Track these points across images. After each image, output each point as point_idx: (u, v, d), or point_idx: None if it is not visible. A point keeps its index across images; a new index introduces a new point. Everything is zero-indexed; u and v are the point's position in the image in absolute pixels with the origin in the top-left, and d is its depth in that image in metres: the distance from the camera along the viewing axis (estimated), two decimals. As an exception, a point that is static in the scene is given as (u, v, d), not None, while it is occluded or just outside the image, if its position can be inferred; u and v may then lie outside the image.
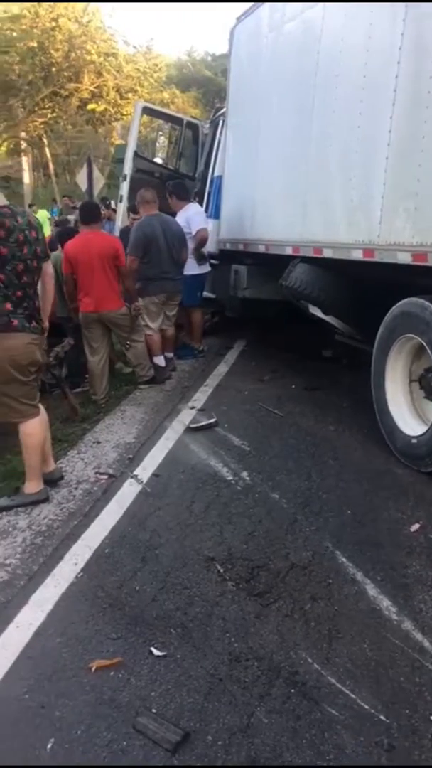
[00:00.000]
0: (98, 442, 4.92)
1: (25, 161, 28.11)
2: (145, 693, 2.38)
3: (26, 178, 28.46)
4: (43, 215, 18.97)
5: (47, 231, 17.29)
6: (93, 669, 2.50)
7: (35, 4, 20.40)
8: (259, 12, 6.51)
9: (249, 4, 6.75)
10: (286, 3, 5.81)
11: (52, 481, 4.11)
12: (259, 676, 2.46)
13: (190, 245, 6.77)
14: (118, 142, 27.66)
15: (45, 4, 20.35)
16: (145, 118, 22.89)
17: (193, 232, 6.79)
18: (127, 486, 4.13)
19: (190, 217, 6.89)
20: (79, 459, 4.61)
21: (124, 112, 23.72)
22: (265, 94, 6.30)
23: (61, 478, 4.20)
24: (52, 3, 20.51)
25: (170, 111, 10.51)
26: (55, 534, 3.56)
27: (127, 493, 4.04)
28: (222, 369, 6.74)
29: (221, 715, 2.27)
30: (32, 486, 3.93)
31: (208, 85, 43.85)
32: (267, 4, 6.27)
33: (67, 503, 3.94)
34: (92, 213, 6.03)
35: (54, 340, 5.36)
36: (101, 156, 31.19)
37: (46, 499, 3.93)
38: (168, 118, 9.51)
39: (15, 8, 20.72)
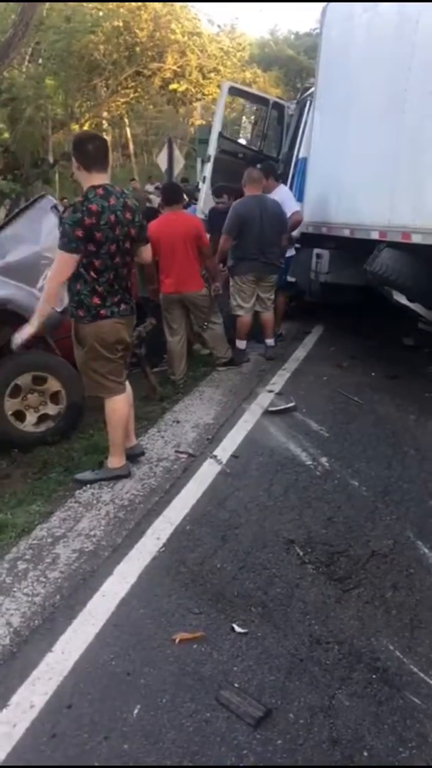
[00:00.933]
0: (178, 422, 5.00)
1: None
2: (228, 668, 2.44)
3: (106, 157, 28.80)
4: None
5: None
6: (177, 641, 2.57)
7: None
8: (352, -9, 6.37)
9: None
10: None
11: (133, 455, 4.20)
12: (340, 659, 2.48)
13: None
14: (199, 122, 27.62)
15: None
16: (228, 98, 22.88)
17: (288, 214, 6.73)
18: (206, 466, 4.19)
19: (284, 199, 6.84)
20: (160, 437, 4.70)
21: (206, 92, 23.62)
22: (356, 75, 6.18)
23: (143, 453, 4.29)
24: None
25: (256, 91, 10.42)
26: (137, 509, 3.66)
27: (207, 472, 4.10)
28: (300, 353, 6.71)
29: (303, 695, 2.31)
30: (115, 461, 4.04)
31: (290, 64, 43.26)
32: (361, -17, 6.13)
33: (148, 479, 4.03)
34: (174, 194, 6.08)
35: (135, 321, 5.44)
36: (179, 137, 31.21)
37: (128, 475, 4.03)
38: (254, 98, 9.44)
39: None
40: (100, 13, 20.98)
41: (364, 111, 5.96)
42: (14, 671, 2.42)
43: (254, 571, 3.05)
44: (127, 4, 20.33)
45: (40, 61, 20.97)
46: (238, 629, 2.64)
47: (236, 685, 2.35)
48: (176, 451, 4.43)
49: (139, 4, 20.47)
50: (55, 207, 5.06)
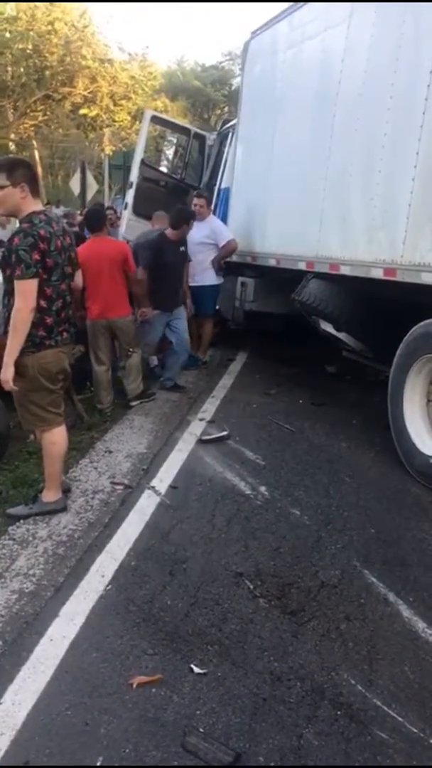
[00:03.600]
0: (110, 451, 4.87)
1: (13, 163, 27.89)
2: (190, 711, 2.35)
3: (13, 179, 28.24)
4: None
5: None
6: (134, 685, 2.45)
7: (32, 6, 20.30)
8: (276, 28, 6.55)
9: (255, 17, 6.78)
10: (306, 22, 5.86)
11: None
12: (303, 696, 2.43)
13: (211, 256, 6.80)
14: (108, 148, 27.61)
15: (42, 7, 20.26)
16: (138, 125, 22.95)
17: (221, 243, 6.79)
18: (145, 497, 4.09)
19: (217, 227, 6.91)
20: (93, 468, 4.56)
21: (116, 119, 23.68)
22: (280, 109, 6.34)
23: (69, 490, 4.13)
24: (49, 6, 20.42)
25: (178, 120, 10.51)
26: (77, 544, 3.51)
27: (146, 504, 4.00)
28: (227, 381, 6.72)
29: (270, 736, 2.25)
30: (51, 495, 3.88)
31: (197, 95, 43.97)
32: (285, 20, 6.32)
33: (86, 513, 3.89)
34: (99, 219, 5.99)
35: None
36: (87, 161, 31.06)
37: (64, 509, 3.87)
38: (176, 127, 9.51)
39: (11, 9, 20.63)
40: (7, 35, 20.69)
41: (290, 145, 6.11)
42: (-40, 727, 2.24)
43: (206, 607, 2.97)
44: (36, 27, 20.16)
45: None
46: (196, 670, 2.55)
47: (201, 729, 2.26)
48: (112, 482, 4.31)
49: (49, 27, 20.35)
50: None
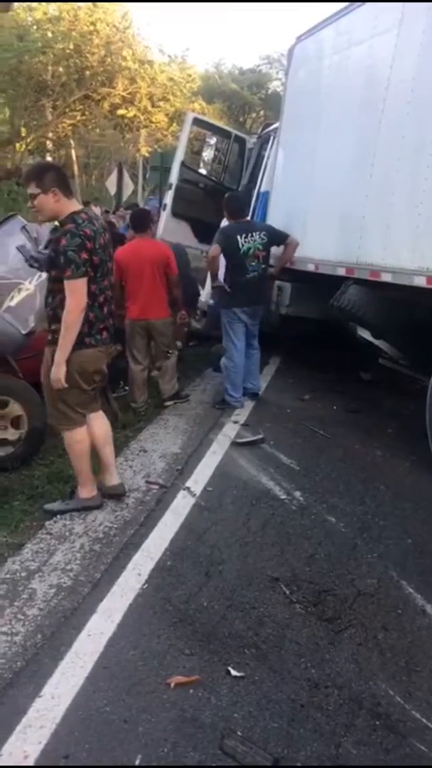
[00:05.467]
0: (144, 451, 4.89)
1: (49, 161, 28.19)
2: (228, 714, 2.35)
3: (49, 178, 28.52)
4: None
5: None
6: (172, 685, 2.46)
7: (74, 6, 20.50)
8: (321, 33, 6.53)
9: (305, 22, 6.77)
10: (353, 28, 5.83)
11: (114, 495, 4.05)
12: (341, 705, 2.42)
13: None
14: (145, 149, 27.75)
15: (84, 7, 20.45)
16: (175, 126, 23.04)
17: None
18: (180, 498, 4.10)
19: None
20: (128, 467, 4.59)
21: (154, 120, 23.79)
22: (324, 114, 6.31)
23: (124, 494, 4.11)
24: (92, 7, 20.59)
25: (219, 123, 10.52)
26: (113, 542, 3.53)
27: (181, 505, 4.01)
28: (260, 383, 6.68)
29: (308, 743, 2.24)
30: (85, 491, 3.91)
31: (233, 98, 44.05)
32: (332, 26, 6.29)
33: (121, 511, 3.91)
34: (143, 220, 6.03)
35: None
36: (122, 161, 31.25)
37: (99, 506, 3.90)
38: (216, 130, 9.52)
39: (54, 10, 20.87)
40: (49, 34, 20.91)
41: (333, 149, 6.07)
42: (1, 718, 2.26)
43: (242, 610, 2.97)
44: (78, 27, 20.34)
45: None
46: (234, 673, 2.55)
47: (239, 732, 2.26)
48: (147, 482, 4.33)
49: (91, 28, 20.52)
50: (24, 228, 4.91)
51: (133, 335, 5.81)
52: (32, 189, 3.44)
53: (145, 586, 3.11)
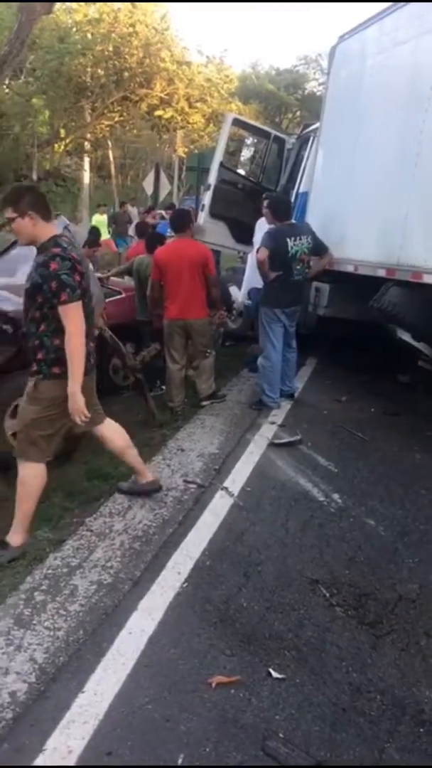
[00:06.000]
0: (182, 450, 4.90)
1: (87, 162, 28.42)
2: (269, 715, 2.34)
3: (86, 178, 28.76)
4: (101, 221, 19.00)
5: (105, 234, 17.44)
6: (213, 685, 2.46)
7: (114, 8, 20.65)
8: (365, 33, 6.47)
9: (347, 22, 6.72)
10: (398, 27, 5.77)
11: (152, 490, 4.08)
12: (384, 710, 2.40)
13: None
14: (181, 149, 27.83)
15: (124, 9, 20.59)
16: (212, 127, 23.08)
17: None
18: (218, 498, 4.10)
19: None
20: (166, 465, 4.60)
21: (191, 121, 23.84)
22: (366, 113, 6.25)
23: (160, 488, 4.12)
24: (131, 8, 20.73)
25: (258, 124, 10.51)
26: (152, 540, 3.55)
27: (219, 505, 4.01)
28: (297, 384, 6.65)
29: (351, 747, 2.22)
30: (20, 538, 3.45)
31: (270, 99, 43.97)
32: (375, 26, 6.23)
33: (160, 510, 3.92)
34: (184, 220, 6.04)
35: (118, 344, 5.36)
36: (157, 161, 31.39)
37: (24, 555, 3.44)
38: (256, 130, 9.50)
39: (94, 12, 21.05)
40: (89, 36, 21.10)
41: (374, 150, 6.02)
42: (46, 712, 2.29)
43: (282, 612, 2.96)
44: (118, 29, 20.49)
45: (30, 79, 20.92)
46: (275, 674, 2.54)
47: (281, 734, 2.25)
48: (185, 481, 4.34)
49: (131, 30, 20.65)
50: (66, 228, 4.96)
51: (171, 335, 5.83)
52: (9, 213, 3.27)
53: (184, 585, 3.11)
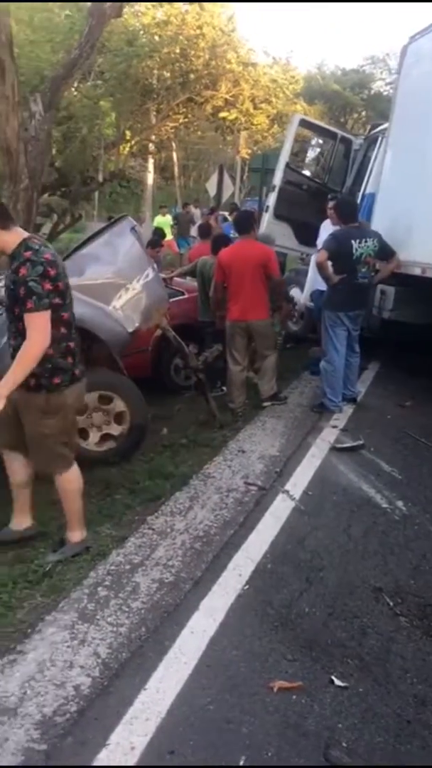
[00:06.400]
0: (243, 451, 4.90)
1: (151, 163, 28.73)
2: (332, 723, 2.31)
3: (149, 179, 29.08)
4: (164, 222, 19.15)
5: (169, 235, 17.59)
6: (275, 689, 2.45)
7: (182, 11, 20.80)
8: (437, 31, 6.34)
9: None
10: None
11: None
12: (450, 724, 2.34)
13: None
14: (244, 150, 27.83)
15: (192, 12, 20.72)
16: (276, 128, 23.01)
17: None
18: (279, 500, 4.08)
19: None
20: (226, 466, 4.61)
21: (255, 122, 23.82)
22: (438, 115, 6.13)
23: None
24: (199, 10, 20.84)
25: (325, 124, 10.43)
26: (213, 541, 3.56)
27: (281, 508, 3.99)
28: (359, 389, 6.57)
29: (415, 760, 2.17)
30: (78, 534, 3.48)
31: (335, 99, 43.55)
32: (448, 24, 6.11)
33: (221, 510, 3.93)
34: (247, 222, 6.03)
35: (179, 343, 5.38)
36: (221, 163, 31.47)
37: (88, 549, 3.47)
38: (322, 131, 9.43)
39: (161, 14, 21.25)
40: (156, 38, 21.32)
41: (445, 151, 5.90)
42: (109, 708, 2.32)
43: (345, 619, 2.93)
44: (186, 31, 20.64)
45: (99, 82, 21.24)
46: (337, 682, 2.51)
47: (344, 744, 2.22)
48: (246, 483, 4.33)
49: (198, 32, 20.77)
50: (133, 229, 5.02)
51: (233, 336, 5.83)
52: None
53: (246, 587, 3.11)
